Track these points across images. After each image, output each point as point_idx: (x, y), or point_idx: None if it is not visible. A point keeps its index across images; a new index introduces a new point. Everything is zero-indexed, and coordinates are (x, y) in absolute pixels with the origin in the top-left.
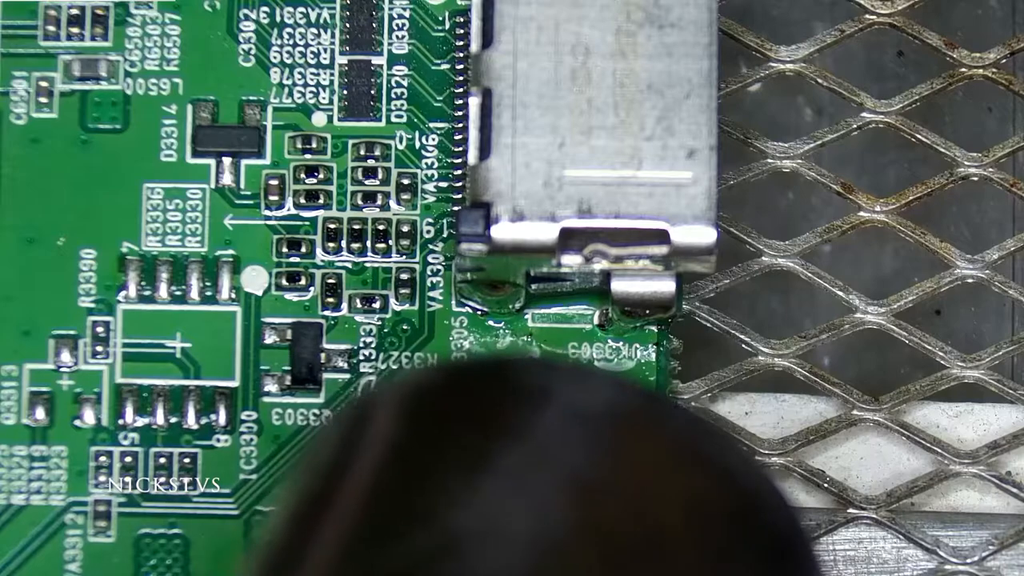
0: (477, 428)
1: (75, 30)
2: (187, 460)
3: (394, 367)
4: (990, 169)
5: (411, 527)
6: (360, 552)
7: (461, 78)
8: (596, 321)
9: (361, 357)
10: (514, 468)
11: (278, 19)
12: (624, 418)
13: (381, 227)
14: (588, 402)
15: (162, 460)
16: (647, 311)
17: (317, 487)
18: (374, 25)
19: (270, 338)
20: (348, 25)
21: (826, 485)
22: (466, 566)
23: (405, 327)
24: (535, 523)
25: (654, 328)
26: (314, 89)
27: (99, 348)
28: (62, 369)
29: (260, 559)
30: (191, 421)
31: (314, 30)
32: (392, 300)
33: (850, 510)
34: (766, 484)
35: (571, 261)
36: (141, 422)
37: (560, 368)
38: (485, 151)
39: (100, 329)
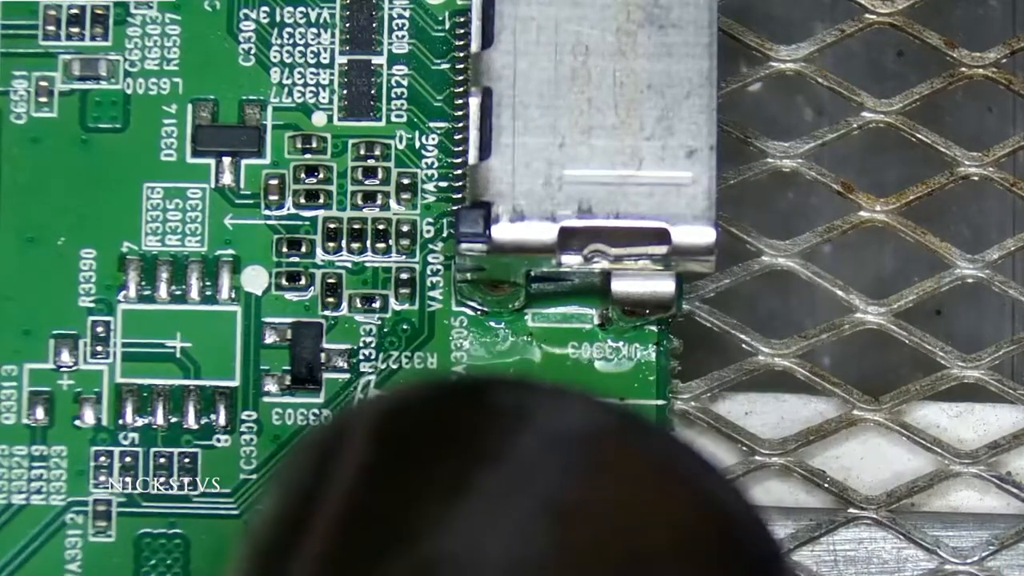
0: (453, 451)
1: (75, 30)
2: (187, 460)
3: (394, 367)
4: (990, 169)
5: (387, 554)
6: None
7: (461, 78)
8: (596, 321)
9: (361, 357)
10: (492, 492)
11: (278, 19)
12: (602, 439)
13: (381, 227)
14: (566, 423)
15: (162, 460)
16: (647, 311)
17: (290, 513)
18: (374, 25)
19: (270, 338)
20: (348, 25)
21: (826, 485)
22: None
23: (405, 327)
24: (514, 548)
25: (654, 328)
26: (314, 89)
27: (99, 348)
28: (62, 369)
29: None
30: (191, 421)
31: (314, 30)
32: (392, 300)
33: (850, 510)
34: (744, 506)
35: (571, 261)
36: (141, 422)
37: (536, 388)
38: (485, 151)
39: (100, 329)
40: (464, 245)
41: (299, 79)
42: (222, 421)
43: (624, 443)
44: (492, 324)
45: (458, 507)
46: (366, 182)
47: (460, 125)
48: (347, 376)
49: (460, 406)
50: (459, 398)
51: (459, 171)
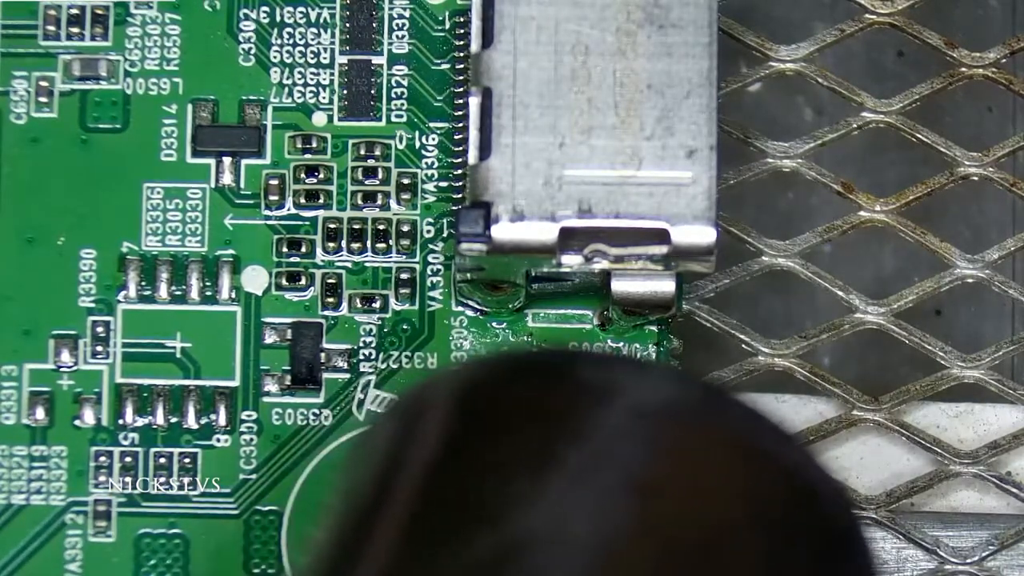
0: (537, 427)
1: (75, 30)
2: (187, 460)
3: (394, 367)
4: (990, 169)
5: (474, 528)
6: (421, 552)
7: (461, 78)
8: (596, 322)
9: (361, 357)
10: (576, 468)
11: (278, 19)
12: (685, 416)
13: (381, 227)
14: (650, 400)
15: (162, 460)
16: (647, 311)
17: (373, 483)
18: (374, 25)
19: (270, 338)
20: (348, 25)
21: None
22: (531, 571)
23: (405, 327)
24: (599, 526)
25: (654, 328)
26: (314, 89)
27: (99, 348)
28: (62, 369)
29: (318, 557)
30: (191, 421)
31: (314, 30)
32: (392, 300)
33: None
34: (824, 479)
35: (571, 261)
36: (141, 422)
37: (620, 363)
38: (485, 151)
39: (100, 329)
40: (464, 245)
41: (299, 79)
42: (222, 421)
43: (706, 418)
44: (492, 324)
45: (542, 484)
46: (366, 182)
47: (460, 125)
48: (347, 376)
49: (544, 381)
50: (543, 372)
51: (459, 171)
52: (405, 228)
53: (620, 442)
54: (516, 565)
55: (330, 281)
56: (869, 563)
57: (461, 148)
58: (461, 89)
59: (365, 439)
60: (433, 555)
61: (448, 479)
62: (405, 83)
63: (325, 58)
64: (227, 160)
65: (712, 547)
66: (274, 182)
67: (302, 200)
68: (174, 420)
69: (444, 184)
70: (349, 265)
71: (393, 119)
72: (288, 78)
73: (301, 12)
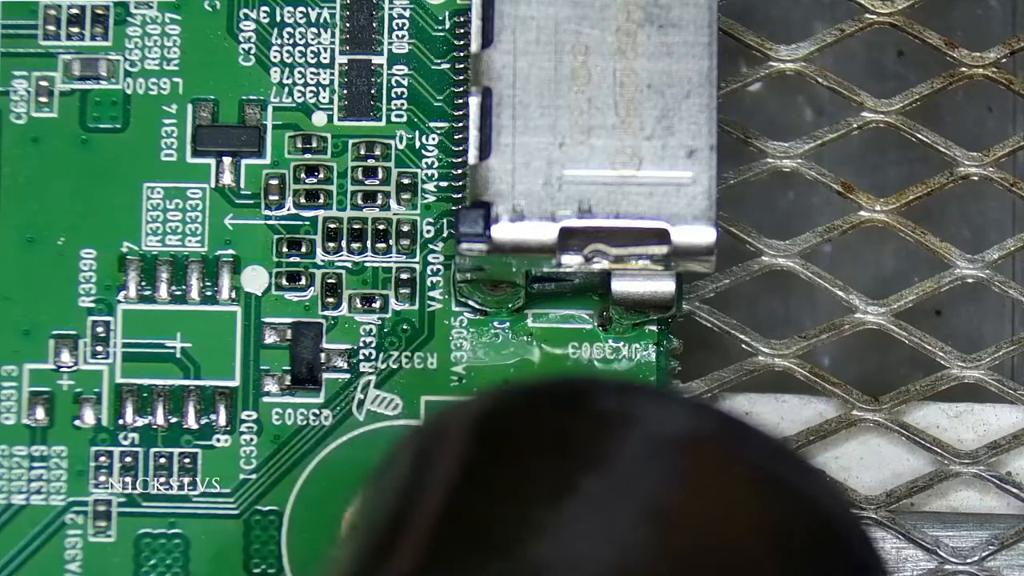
0: (555, 455)
1: (75, 30)
2: (187, 460)
3: (394, 367)
4: (990, 169)
5: (490, 555)
6: None
7: (461, 78)
8: (596, 321)
9: (361, 357)
10: (596, 498)
11: (278, 19)
12: (705, 445)
13: (381, 227)
14: (668, 428)
15: (162, 460)
16: (647, 311)
17: (391, 508)
18: (374, 25)
19: (270, 338)
20: (348, 25)
21: None
22: None
23: (405, 327)
24: (618, 555)
25: (654, 328)
26: (314, 89)
27: (99, 348)
28: (62, 369)
29: None
30: (191, 421)
31: (314, 30)
32: (392, 300)
33: None
34: (843, 509)
35: (571, 261)
36: (141, 422)
37: (638, 391)
38: (485, 151)
39: (100, 329)
40: (464, 245)
41: (299, 79)
42: (222, 421)
43: (726, 448)
44: (492, 324)
45: (560, 512)
46: (366, 182)
47: (460, 125)
48: (347, 376)
49: (562, 409)
50: (562, 401)
51: (459, 171)
52: (405, 228)
53: (638, 471)
54: None
55: (330, 281)
56: None
57: (461, 148)
58: (461, 89)
59: (384, 464)
60: None
61: (466, 506)
62: (405, 83)
63: (325, 58)
64: (227, 160)
65: None
66: (274, 182)
67: (302, 200)
68: (174, 420)
69: (444, 184)
70: (349, 265)
71: (393, 119)
72: (288, 78)
73: (301, 12)
